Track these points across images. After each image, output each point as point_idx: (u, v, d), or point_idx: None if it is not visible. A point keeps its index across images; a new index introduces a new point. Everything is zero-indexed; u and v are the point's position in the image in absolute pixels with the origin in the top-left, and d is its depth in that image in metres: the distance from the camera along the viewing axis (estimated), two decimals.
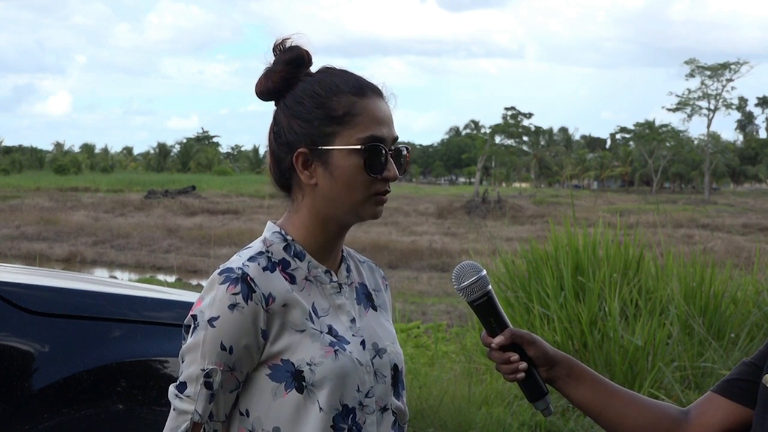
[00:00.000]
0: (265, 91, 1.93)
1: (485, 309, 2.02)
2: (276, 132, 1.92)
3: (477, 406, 6.65)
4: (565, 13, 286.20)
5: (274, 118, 1.94)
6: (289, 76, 1.91)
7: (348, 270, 1.99)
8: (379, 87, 1.94)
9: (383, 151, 1.88)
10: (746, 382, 2.01)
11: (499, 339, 2.02)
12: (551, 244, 8.57)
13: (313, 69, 1.95)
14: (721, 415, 2.03)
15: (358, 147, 1.87)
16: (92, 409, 3.10)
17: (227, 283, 1.82)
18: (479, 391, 6.95)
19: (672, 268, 8.56)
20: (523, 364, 2.02)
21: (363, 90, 1.90)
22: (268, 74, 1.92)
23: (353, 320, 1.94)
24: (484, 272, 2.00)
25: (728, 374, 2.08)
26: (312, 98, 1.89)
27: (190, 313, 1.86)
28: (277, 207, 2.03)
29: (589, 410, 2.09)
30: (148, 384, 3.21)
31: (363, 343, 1.92)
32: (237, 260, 1.87)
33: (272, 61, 1.93)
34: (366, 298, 2.01)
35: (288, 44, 1.93)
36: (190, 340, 1.84)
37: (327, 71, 1.93)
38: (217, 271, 1.86)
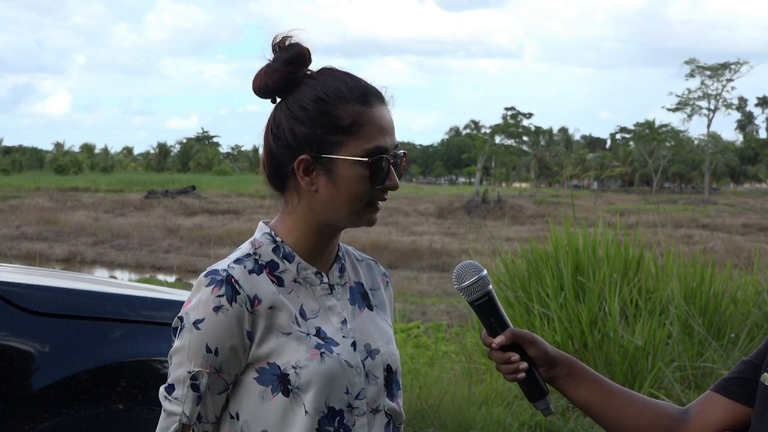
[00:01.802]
0: (263, 88, 1.90)
1: (486, 309, 2.01)
2: (276, 134, 1.89)
3: (477, 406, 6.65)
4: (564, 13, 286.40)
5: (274, 117, 1.90)
6: (289, 75, 1.88)
7: (341, 270, 1.97)
8: (381, 92, 1.92)
9: (387, 163, 1.87)
10: (745, 380, 2.01)
11: (499, 339, 2.01)
12: (551, 244, 8.57)
13: (312, 67, 1.92)
14: (721, 413, 2.03)
15: (365, 159, 1.85)
16: (92, 409, 3.10)
17: (212, 285, 1.82)
18: (479, 391, 6.94)
19: (672, 268, 8.56)
20: (524, 364, 2.01)
21: (368, 98, 1.88)
22: (268, 72, 1.89)
23: (344, 321, 1.92)
24: (485, 272, 1.99)
25: (728, 373, 2.08)
26: (316, 104, 1.86)
27: (178, 314, 1.86)
28: (277, 207, 2.01)
29: (589, 410, 2.09)
30: (147, 384, 3.21)
31: (354, 344, 1.90)
32: (223, 262, 1.87)
33: (272, 59, 1.90)
34: (362, 298, 1.99)
35: (288, 42, 1.90)
36: (177, 342, 1.85)
37: (329, 73, 1.90)
38: (204, 273, 1.85)
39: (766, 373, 1.96)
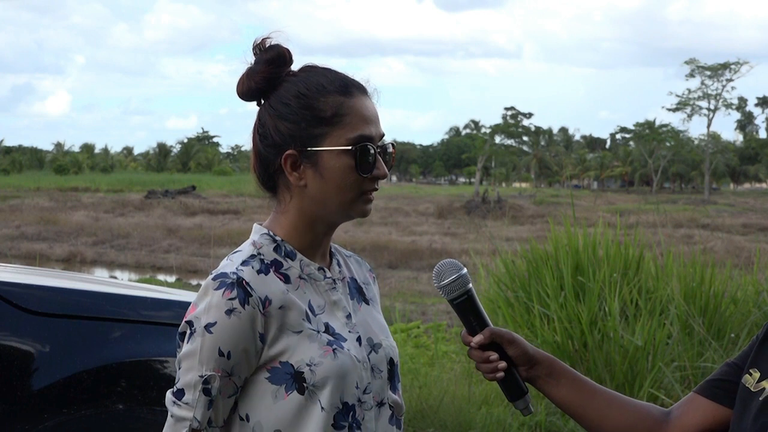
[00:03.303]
0: (247, 91, 1.91)
1: (465, 307, 2.00)
2: (261, 133, 1.91)
3: (477, 406, 6.65)
4: (563, 14, 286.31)
5: (259, 118, 1.92)
6: (271, 75, 1.89)
7: (339, 265, 1.99)
8: (363, 84, 1.93)
9: (372, 151, 1.88)
10: (728, 382, 2.01)
11: (478, 338, 2.01)
12: (551, 244, 8.57)
13: (294, 67, 1.93)
14: (701, 415, 2.02)
15: (349, 147, 1.86)
16: (92, 409, 3.10)
17: (222, 289, 1.81)
18: (479, 391, 6.95)
19: (672, 268, 8.55)
20: (503, 364, 2.01)
21: (349, 89, 1.89)
22: (250, 74, 1.90)
23: (349, 316, 1.93)
24: (465, 270, 1.98)
25: (711, 374, 2.08)
26: (298, 99, 1.87)
27: (185, 319, 1.84)
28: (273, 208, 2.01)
29: (569, 410, 2.08)
30: (148, 384, 3.21)
31: (359, 339, 1.92)
32: (230, 265, 1.86)
33: (253, 61, 1.92)
34: (358, 293, 2.01)
35: (267, 43, 1.92)
36: (186, 347, 1.83)
37: (310, 70, 1.92)
38: (211, 276, 1.84)
39: (747, 375, 1.96)
